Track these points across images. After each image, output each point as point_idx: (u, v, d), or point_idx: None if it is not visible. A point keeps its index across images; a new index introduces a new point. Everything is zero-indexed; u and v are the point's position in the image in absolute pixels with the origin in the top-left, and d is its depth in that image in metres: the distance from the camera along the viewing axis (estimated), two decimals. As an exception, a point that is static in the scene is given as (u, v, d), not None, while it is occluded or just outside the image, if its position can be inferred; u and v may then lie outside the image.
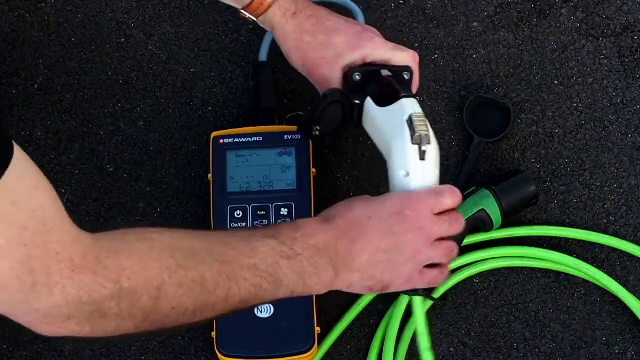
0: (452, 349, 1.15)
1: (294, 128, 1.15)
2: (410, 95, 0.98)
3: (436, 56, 1.23)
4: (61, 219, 0.77)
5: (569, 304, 1.16)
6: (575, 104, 1.22)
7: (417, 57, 1.05)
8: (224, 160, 1.14)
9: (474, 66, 1.23)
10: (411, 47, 1.11)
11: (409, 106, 0.96)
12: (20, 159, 0.73)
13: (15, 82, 1.24)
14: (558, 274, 1.17)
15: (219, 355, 1.09)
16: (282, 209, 1.12)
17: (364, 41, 1.03)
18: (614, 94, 1.22)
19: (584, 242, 1.17)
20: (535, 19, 1.24)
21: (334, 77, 1.03)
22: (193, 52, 1.25)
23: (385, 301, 1.15)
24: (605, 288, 1.15)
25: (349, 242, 0.92)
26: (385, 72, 1.02)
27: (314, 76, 1.04)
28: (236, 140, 1.15)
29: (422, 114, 0.95)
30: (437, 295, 1.13)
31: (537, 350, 1.15)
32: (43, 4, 1.26)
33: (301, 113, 1.20)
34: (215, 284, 0.85)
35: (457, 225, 0.95)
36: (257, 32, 1.23)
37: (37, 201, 0.74)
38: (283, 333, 1.08)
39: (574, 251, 1.17)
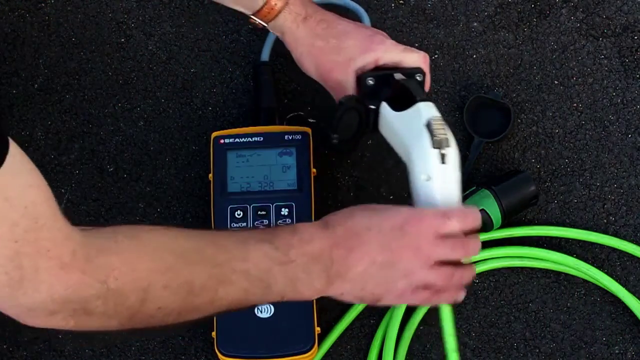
0: (452, 349, 1.15)
1: (294, 128, 1.15)
2: (426, 98, 0.97)
3: (436, 56, 1.23)
4: (53, 216, 0.77)
5: (569, 304, 1.16)
6: (575, 104, 1.22)
7: (428, 58, 1.05)
8: (224, 160, 1.14)
9: (474, 66, 1.23)
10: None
11: (427, 110, 0.95)
12: (15, 155, 0.73)
13: (15, 82, 1.24)
14: (558, 274, 1.17)
15: (219, 355, 1.09)
16: (283, 209, 1.12)
17: (375, 44, 1.03)
18: (614, 94, 1.22)
19: (584, 242, 1.17)
20: (535, 19, 1.24)
21: (347, 81, 1.02)
22: (193, 52, 1.25)
23: (385, 301, 1.15)
24: (605, 288, 1.15)
25: (345, 252, 0.90)
26: (398, 76, 1.01)
27: (327, 81, 1.04)
28: (236, 140, 1.15)
29: (441, 117, 0.94)
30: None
31: (537, 350, 1.15)
32: (43, 4, 1.26)
33: (302, 113, 1.20)
34: (203, 286, 0.84)
35: (461, 250, 0.92)
36: (257, 32, 1.23)
37: (29, 198, 0.75)
38: (283, 333, 1.08)
39: (574, 251, 1.17)
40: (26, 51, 1.25)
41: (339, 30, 1.04)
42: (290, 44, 1.06)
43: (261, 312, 1.09)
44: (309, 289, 0.90)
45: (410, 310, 1.14)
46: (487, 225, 1.13)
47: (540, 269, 1.16)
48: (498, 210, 1.13)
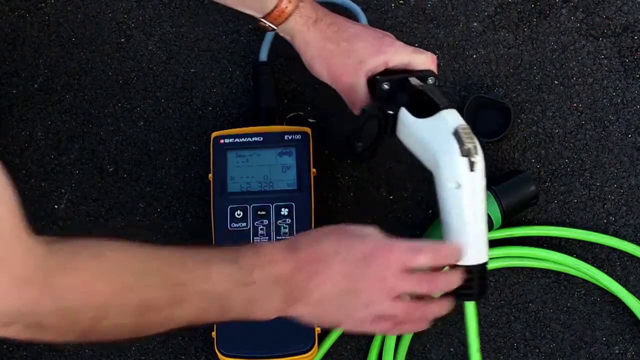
0: (452, 349, 1.15)
1: (294, 128, 1.15)
2: (449, 105, 0.96)
3: (436, 56, 1.23)
4: (17, 231, 0.77)
5: (569, 304, 1.16)
6: (575, 104, 1.22)
7: (435, 59, 1.05)
8: (224, 160, 1.14)
9: (474, 66, 1.23)
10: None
11: (453, 118, 0.94)
12: None
13: (15, 82, 1.24)
14: (558, 274, 1.17)
15: (219, 355, 1.09)
16: (283, 209, 1.12)
17: (385, 46, 1.02)
18: (614, 94, 1.22)
19: (584, 242, 1.17)
20: (535, 19, 1.24)
21: (358, 84, 1.02)
22: (193, 52, 1.25)
23: (385, 301, 1.15)
24: (605, 288, 1.15)
25: (308, 276, 0.89)
26: (414, 81, 1.01)
27: (339, 84, 1.04)
28: (236, 140, 1.15)
29: (467, 126, 0.94)
30: None
31: (537, 350, 1.15)
32: (43, 4, 1.26)
33: (301, 113, 1.20)
34: (161, 306, 0.84)
35: (427, 285, 0.91)
36: (257, 32, 1.23)
37: None
38: (283, 333, 1.08)
39: (574, 251, 1.17)
40: (26, 51, 1.25)
41: (349, 33, 1.03)
42: (300, 47, 1.05)
43: (261, 312, 1.09)
44: (266, 311, 0.90)
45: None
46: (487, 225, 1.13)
47: (540, 269, 1.16)
48: (498, 210, 1.13)
